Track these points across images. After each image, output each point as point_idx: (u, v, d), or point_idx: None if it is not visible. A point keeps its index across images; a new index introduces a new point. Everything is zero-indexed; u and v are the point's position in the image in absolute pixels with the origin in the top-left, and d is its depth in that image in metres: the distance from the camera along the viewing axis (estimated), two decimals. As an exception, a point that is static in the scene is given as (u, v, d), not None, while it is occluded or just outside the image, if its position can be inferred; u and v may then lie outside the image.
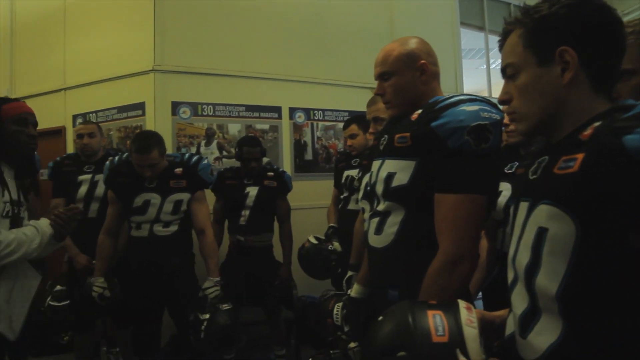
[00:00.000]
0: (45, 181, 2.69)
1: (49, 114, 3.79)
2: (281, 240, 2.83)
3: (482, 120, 1.09)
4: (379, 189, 1.28)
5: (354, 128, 2.65)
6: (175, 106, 3.26)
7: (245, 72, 3.47)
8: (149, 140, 2.12)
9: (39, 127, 1.64)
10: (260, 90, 3.53)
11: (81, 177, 2.54)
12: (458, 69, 4.63)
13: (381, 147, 1.33)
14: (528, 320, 0.76)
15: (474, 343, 0.72)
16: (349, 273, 2.04)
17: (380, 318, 0.81)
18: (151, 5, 3.24)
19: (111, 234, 2.29)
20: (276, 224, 2.85)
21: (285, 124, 3.62)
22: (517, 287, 0.80)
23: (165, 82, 3.24)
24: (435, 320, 0.74)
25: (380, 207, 1.28)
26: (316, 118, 3.75)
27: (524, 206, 0.80)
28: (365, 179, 2.05)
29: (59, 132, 3.72)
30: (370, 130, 1.97)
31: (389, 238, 1.25)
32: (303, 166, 3.62)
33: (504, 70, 0.85)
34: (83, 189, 2.52)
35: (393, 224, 1.24)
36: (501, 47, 0.86)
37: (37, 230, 1.51)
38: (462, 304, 0.80)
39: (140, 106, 3.27)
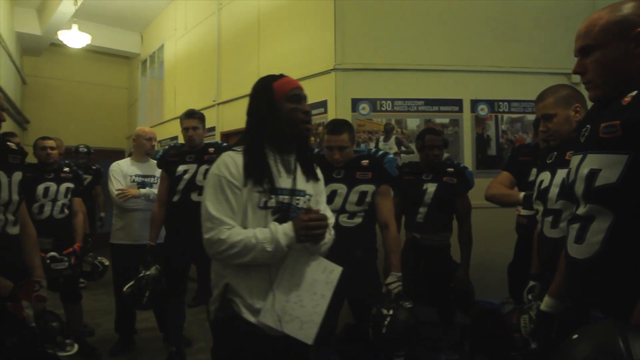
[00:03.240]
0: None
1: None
2: (460, 240, 2.70)
3: None
4: (579, 188, 1.09)
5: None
6: (355, 103, 3.38)
7: (423, 65, 3.41)
8: (342, 124, 2.28)
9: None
10: (440, 83, 3.43)
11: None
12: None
13: (582, 139, 1.13)
14: None
15: None
16: (530, 283, 1.83)
17: (575, 336, 0.66)
18: (331, 7, 3.42)
19: None
20: (455, 223, 2.72)
21: (467, 117, 3.45)
22: None
23: (345, 80, 3.38)
24: None
25: (581, 210, 1.09)
26: (501, 110, 3.47)
27: None
28: (541, 177, 1.83)
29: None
30: (541, 128, 1.77)
31: (593, 248, 1.05)
32: (486, 162, 3.41)
33: None
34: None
35: (598, 231, 1.04)
36: None
37: (271, 236, 1.30)
38: None
39: (323, 104, 3.48)
